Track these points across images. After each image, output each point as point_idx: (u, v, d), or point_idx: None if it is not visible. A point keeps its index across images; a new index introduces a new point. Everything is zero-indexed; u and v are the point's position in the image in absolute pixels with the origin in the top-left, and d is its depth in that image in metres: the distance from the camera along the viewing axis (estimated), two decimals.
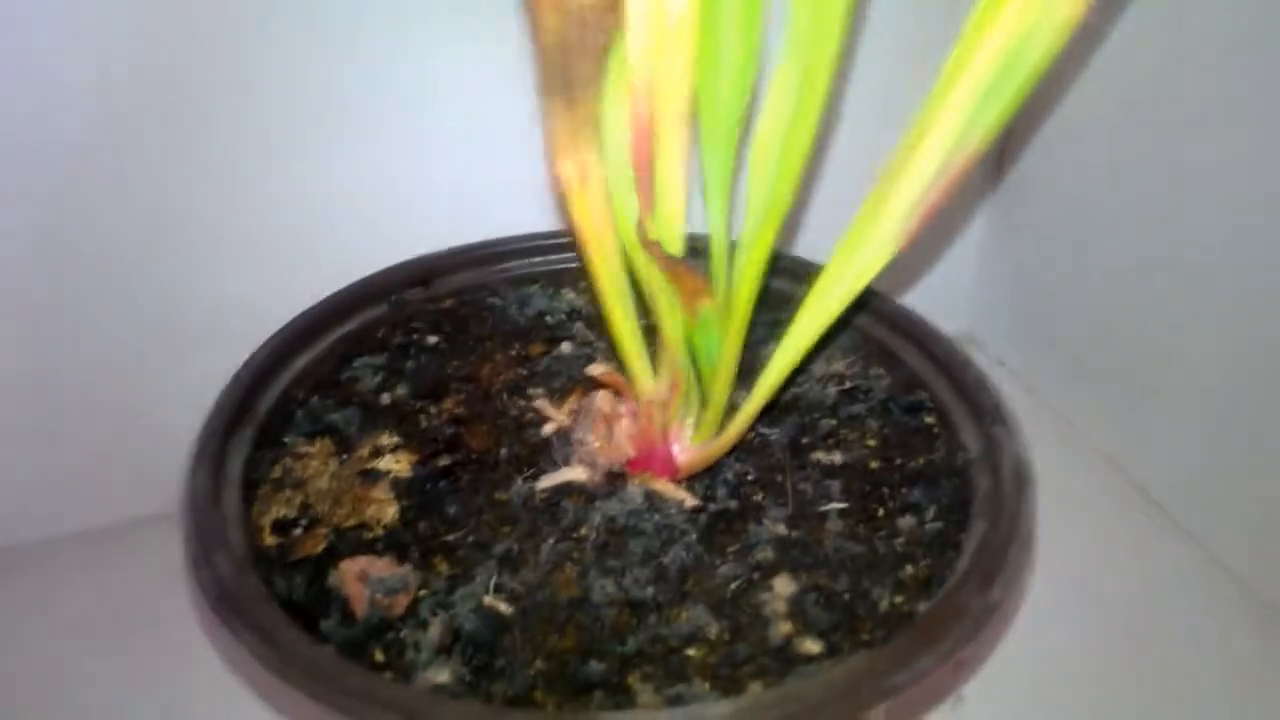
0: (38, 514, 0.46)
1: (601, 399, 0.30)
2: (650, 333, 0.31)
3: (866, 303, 0.36)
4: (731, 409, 0.31)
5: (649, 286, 0.28)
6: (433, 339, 0.39)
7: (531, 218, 0.44)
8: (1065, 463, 0.49)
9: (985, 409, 0.31)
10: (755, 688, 0.26)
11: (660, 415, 0.30)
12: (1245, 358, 0.40)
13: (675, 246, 0.27)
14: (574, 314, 0.40)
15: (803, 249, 0.42)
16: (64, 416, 0.44)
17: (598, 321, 0.40)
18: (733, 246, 0.29)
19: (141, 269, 0.42)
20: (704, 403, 0.30)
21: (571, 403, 0.34)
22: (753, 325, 0.29)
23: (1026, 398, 0.53)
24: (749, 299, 0.27)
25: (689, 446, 0.31)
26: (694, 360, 0.30)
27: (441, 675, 0.27)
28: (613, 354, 0.35)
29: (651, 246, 0.25)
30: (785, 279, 0.37)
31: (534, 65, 0.24)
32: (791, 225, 0.48)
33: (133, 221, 0.41)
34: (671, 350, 0.29)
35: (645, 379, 0.29)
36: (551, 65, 0.24)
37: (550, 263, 0.41)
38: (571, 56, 0.24)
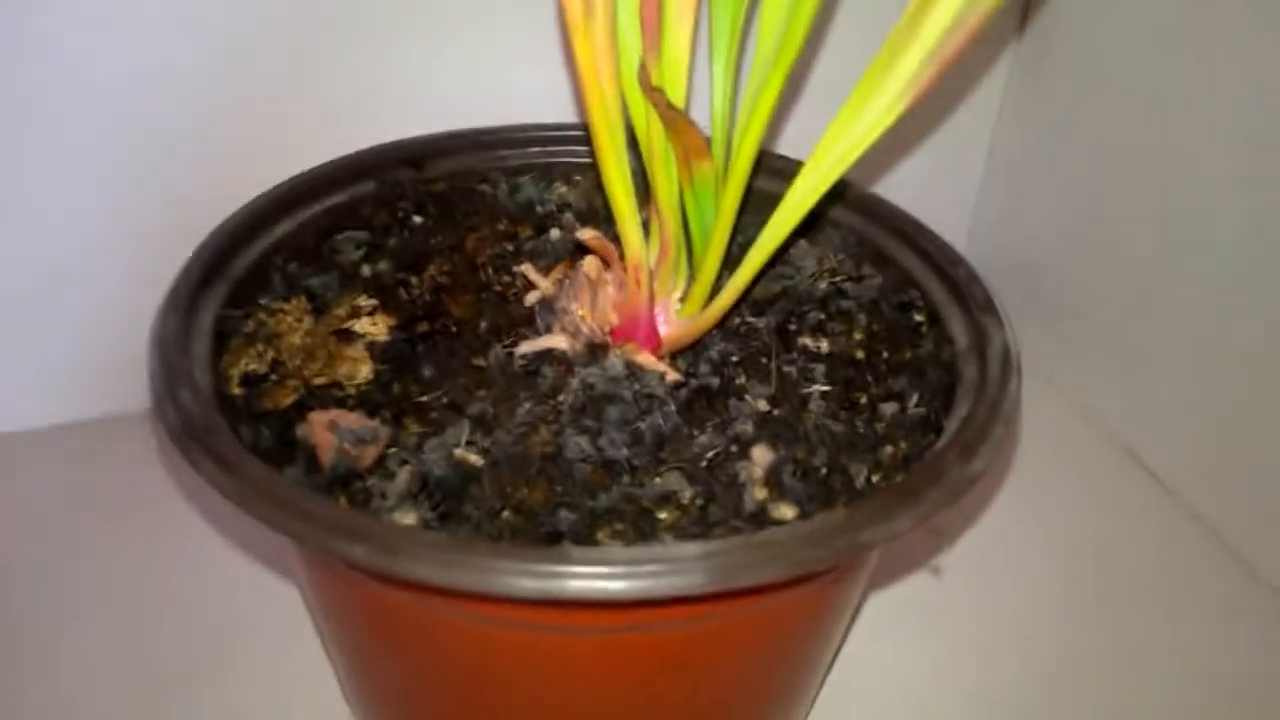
0: None
1: (588, 264, 0.30)
2: (644, 202, 0.30)
3: (863, 204, 0.36)
4: (718, 291, 0.30)
5: (646, 142, 0.27)
6: (419, 219, 0.38)
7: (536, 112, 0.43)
8: (1050, 421, 0.49)
9: (976, 300, 0.30)
10: None
11: (648, 282, 0.29)
12: (1248, 320, 0.39)
13: (678, 95, 0.26)
14: (564, 206, 0.40)
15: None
16: None
17: (588, 215, 0.40)
18: (733, 115, 0.29)
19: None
20: (693, 275, 0.30)
21: (558, 273, 0.33)
22: (737, 222, 0.28)
23: None
24: (749, 159, 0.26)
25: (674, 319, 0.30)
26: (685, 229, 0.29)
27: (407, 518, 0.26)
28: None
29: (653, 93, 0.25)
30: (769, 178, 0.36)
31: None
32: (774, 126, 0.47)
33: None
34: (664, 214, 0.28)
35: (636, 239, 0.28)
36: None
37: (547, 154, 0.40)
38: None
